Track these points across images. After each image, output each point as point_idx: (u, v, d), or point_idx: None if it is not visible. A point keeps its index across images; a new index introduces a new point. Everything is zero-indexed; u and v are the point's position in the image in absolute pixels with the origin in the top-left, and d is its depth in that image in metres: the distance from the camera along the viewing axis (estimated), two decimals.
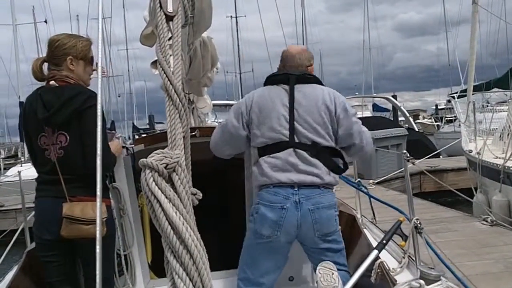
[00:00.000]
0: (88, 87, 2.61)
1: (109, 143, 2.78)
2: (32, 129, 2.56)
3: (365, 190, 3.64)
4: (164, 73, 1.16)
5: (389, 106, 29.17)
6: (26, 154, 21.03)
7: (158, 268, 3.21)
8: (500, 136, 9.23)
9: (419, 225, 2.58)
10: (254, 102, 2.53)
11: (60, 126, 2.46)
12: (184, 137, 1.29)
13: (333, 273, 2.29)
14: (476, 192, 8.60)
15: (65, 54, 2.55)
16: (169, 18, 1.18)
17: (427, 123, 36.56)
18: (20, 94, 23.30)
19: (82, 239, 2.43)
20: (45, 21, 34.76)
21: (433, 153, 13.61)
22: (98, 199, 1.54)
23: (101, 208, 1.57)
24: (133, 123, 40.77)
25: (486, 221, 6.73)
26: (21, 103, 21.52)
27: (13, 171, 14.96)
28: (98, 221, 1.57)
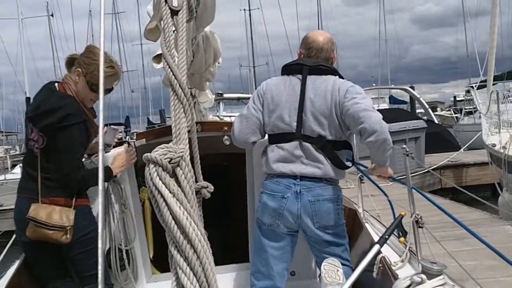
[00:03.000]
0: (89, 106, 2.60)
1: (114, 159, 2.72)
2: (25, 119, 2.61)
3: (363, 169, 3.52)
4: (169, 67, 1.16)
5: (406, 98, 28.69)
6: None
7: (160, 262, 3.22)
8: None
9: (420, 220, 2.58)
10: (268, 90, 2.55)
11: (40, 129, 2.49)
12: (189, 131, 1.29)
13: (338, 270, 2.30)
14: (501, 190, 7.89)
15: (79, 65, 2.56)
16: (174, 12, 1.17)
17: (446, 115, 35.98)
18: (27, 90, 23.23)
19: (47, 243, 2.44)
20: (52, 15, 34.66)
21: (454, 148, 13.02)
22: (101, 207, 1.54)
23: (102, 211, 1.56)
24: (148, 119, 40.82)
25: None
26: (27, 99, 21.46)
27: (18, 168, 14.88)
28: (100, 225, 1.57)
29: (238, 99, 18.65)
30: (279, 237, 2.54)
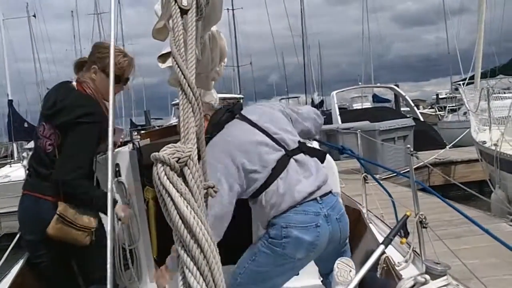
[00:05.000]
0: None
1: (117, 208, 2.71)
2: (40, 115, 2.60)
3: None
4: (178, 67, 1.15)
5: (389, 97, 28.96)
6: (16, 154, 20.85)
7: (163, 262, 3.22)
8: None
9: (424, 220, 2.58)
10: (230, 150, 2.28)
11: (56, 125, 2.47)
12: (198, 131, 1.28)
13: (350, 270, 2.31)
14: (493, 187, 7.93)
15: (92, 62, 2.56)
16: (183, 11, 1.17)
17: (429, 113, 36.27)
18: (9, 93, 23.16)
19: (65, 242, 2.43)
20: (34, 16, 34.55)
21: (440, 145, 13.13)
22: (109, 205, 1.54)
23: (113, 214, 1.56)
24: (130, 120, 40.65)
25: None
26: (10, 101, 21.38)
27: (2, 171, 14.80)
28: (109, 227, 1.57)
29: (224, 99, 18.71)
30: (297, 268, 2.41)
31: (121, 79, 2.59)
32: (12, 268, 2.74)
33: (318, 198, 2.31)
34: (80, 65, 2.64)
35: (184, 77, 1.19)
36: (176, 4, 1.16)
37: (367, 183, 3.50)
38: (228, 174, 2.22)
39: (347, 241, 2.55)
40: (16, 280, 2.58)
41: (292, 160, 2.33)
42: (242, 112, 2.47)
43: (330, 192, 2.41)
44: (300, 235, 2.23)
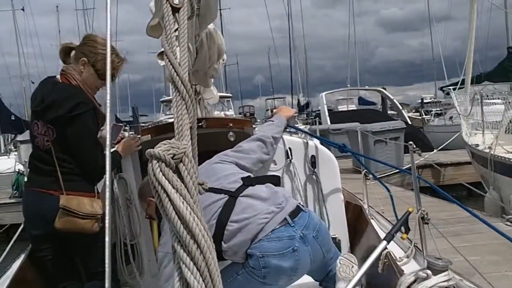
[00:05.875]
0: (93, 95, 2.63)
1: (119, 143, 2.79)
2: (31, 114, 2.62)
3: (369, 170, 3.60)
4: (171, 64, 1.16)
5: (375, 100, 29.24)
6: (3, 147, 20.91)
7: None
8: (508, 130, 8.74)
9: (425, 216, 2.58)
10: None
11: (49, 121, 2.49)
12: (191, 127, 1.30)
13: (353, 266, 2.32)
14: (487, 188, 8.24)
15: (83, 54, 2.57)
16: (175, 9, 1.18)
17: (413, 116, 36.64)
18: None
19: (73, 234, 2.45)
20: (22, 9, 34.67)
21: (428, 148, 13.46)
22: (107, 200, 1.55)
23: (109, 204, 1.58)
24: (116, 116, 40.68)
25: (511, 222, 6.00)
26: None
27: None
28: (107, 225, 1.58)
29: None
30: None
31: (104, 77, 2.60)
32: (14, 262, 2.77)
33: (290, 221, 2.23)
34: (66, 51, 2.64)
35: (177, 74, 1.20)
36: (168, 2, 1.17)
37: (368, 179, 3.50)
38: None
39: (332, 250, 2.50)
40: (18, 274, 2.61)
41: (239, 199, 2.28)
42: None
43: (301, 209, 2.32)
44: (279, 263, 2.15)
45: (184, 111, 1.26)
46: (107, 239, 1.51)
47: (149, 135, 3.02)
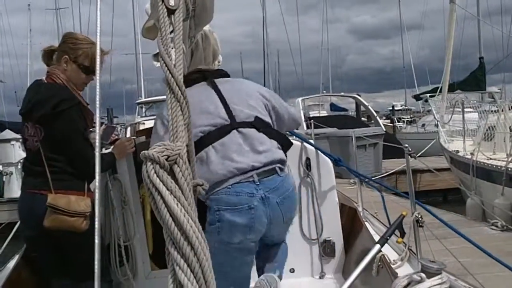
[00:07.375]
0: (80, 92, 2.62)
1: (114, 145, 2.77)
2: (22, 117, 2.62)
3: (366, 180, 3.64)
4: (166, 65, 1.17)
5: (346, 106, 29.71)
6: None
7: (159, 259, 3.24)
8: (485, 137, 9.01)
9: (420, 219, 2.59)
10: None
11: (36, 121, 2.50)
12: (187, 129, 1.30)
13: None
14: (468, 193, 8.38)
15: (64, 52, 2.57)
16: (170, 11, 1.18)
17: (385, 124, 37.22)
18: None
19: (62, 232, 2.45)
20: None
21: (402, 154, 13.71)
22: (97, 201, 1.55)
23: (100, 204, 1.58)
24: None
25: (496, 226, 6.25)
26: None
27: None
28: (96, 226, 1.58)
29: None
30: (246, 251, 2.23)
31: (88, 71, 2.60)
32: (8, 263, 2.76)
33: (256, 179, 2.13)
34: (49, 55, 2.65)
35: (172, 76, 1.20)
36: (163, 4, 1.17)
37: (363, 182, 3.52)
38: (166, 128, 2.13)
39: (292, 219, 2.39)
40: (12, 274, 2.60)
41: (234, 132, 2.18)
42: (217, 79, 2.35)
43: (275, 172, 2.21)
44: (232, 218, 2.08)
45: (179, 113, 1.26)
46: (96, 240, 1.50)
47: (144, 136, 3.01)
